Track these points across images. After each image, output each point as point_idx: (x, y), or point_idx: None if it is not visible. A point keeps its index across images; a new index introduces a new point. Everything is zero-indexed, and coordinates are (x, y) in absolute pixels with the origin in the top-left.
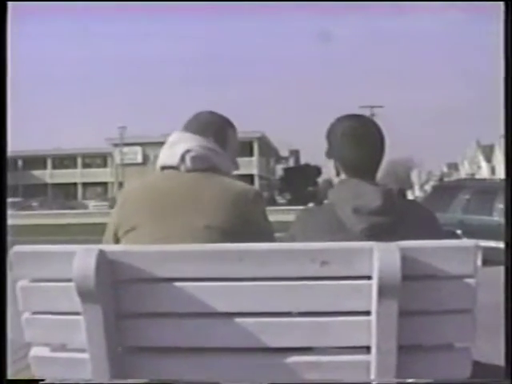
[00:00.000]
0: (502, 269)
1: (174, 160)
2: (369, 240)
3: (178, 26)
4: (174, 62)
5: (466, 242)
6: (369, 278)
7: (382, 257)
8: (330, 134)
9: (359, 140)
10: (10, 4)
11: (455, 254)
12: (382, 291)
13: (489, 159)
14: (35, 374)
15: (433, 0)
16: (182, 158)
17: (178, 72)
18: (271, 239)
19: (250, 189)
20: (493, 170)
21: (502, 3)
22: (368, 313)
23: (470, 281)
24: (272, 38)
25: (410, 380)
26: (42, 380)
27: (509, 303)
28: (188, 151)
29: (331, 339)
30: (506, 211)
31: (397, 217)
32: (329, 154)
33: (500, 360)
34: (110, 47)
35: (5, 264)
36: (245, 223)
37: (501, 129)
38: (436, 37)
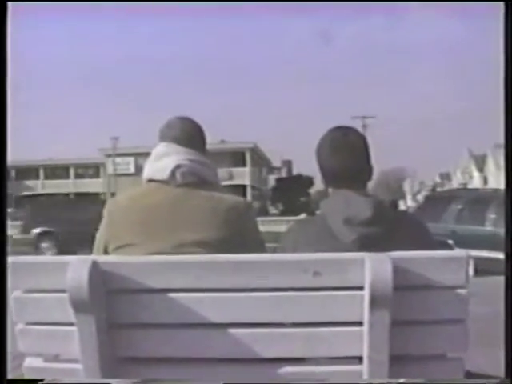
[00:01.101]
0: (493, 278)
1: (163, 174)
2: (360, 250)
3: (169, 32)
4: (166, 73)
5: (458, 252)
6: (361, 288)
7: (374, 267)
8: (316, 149)
9: (339, 150)
10: (9, 4)
11: (447, 264)
12: (374, 301)
13: (481, 169)
14: None
15: (432, 0)
16: (172, 173)
17: (169, 84)
18: (262, 250)
19: (241, 201)
20: (485, 180)
21: (502, 3)
22: (360, 323)
23: (462, 291)
24: (265, 47)
25: (401, 380)
26: (42, 380)
27: (509, 303)
28: (178, 166)
29: (324, 349)
30: (506, 222)
31: (388, 228)
32: (319, 170)
33: (491, 370)
34: (103, 56)
35: (5, 268)
36: (236, 236)
37: (493, 138)
38: (428, 47)
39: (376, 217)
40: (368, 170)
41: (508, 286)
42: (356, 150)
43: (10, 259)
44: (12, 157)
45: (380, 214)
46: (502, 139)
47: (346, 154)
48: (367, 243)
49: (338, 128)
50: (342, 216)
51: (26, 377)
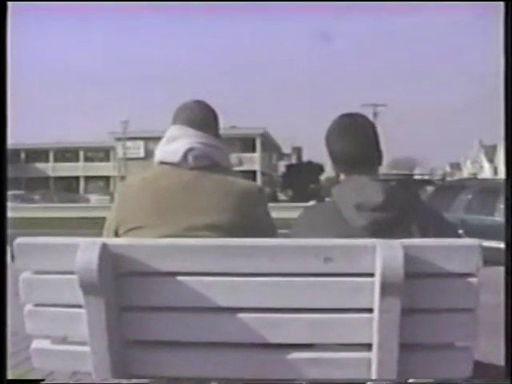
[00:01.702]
0: (502, 269)
1: (175, 157)
2: (371, 236)
3: (180, 23)
4: (177, 58)
5: (469, 240)
6: (371, 275)
7: (385, 254)
8: (326, 136)
9: (348, 135)
10: (9, 4)
11: (458, 252)
12: (385, 289)
13: (491, 159)
14: (36, 366)
15: (435, 0)
16: (185, 156)
17: (181, 67)
18: (274, 235)
19: (253, 185)
20: (495, 170)
21: (502, 3)
22: (370, 310)
23: (473, 280)
24: (276, 34)
25: (410, 380)
26: (42, 380)
27: (509, 303)
28: (191, 149)
29: (333, 336)
30: (506, 211)
31: (400, 213)
32: (329, 157)
33: (500, 360)
34: (114, 41)
35: (5, 265)
36: (248, 220)
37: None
38: (440, 36)
39: (388, 202)
40: (378, 156)
41: (508, 278)
42: (365, 134)
43: (19, 240)
44: (22, 139)
45: (392, 200)
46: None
47: (355, 138)
48: (378, 228)
49: (347, 114)
50: (353, 201)
51: (33, 359)
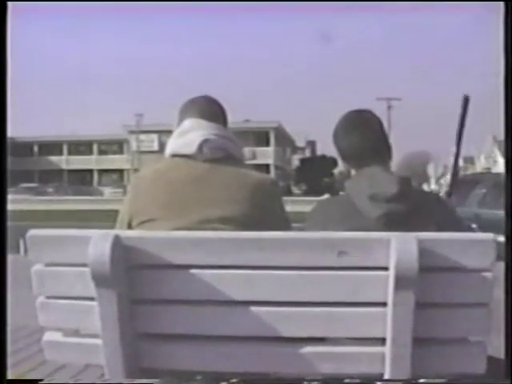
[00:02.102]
0: None
1: (190, 149)
2: (385, 228)
3: (192, 20)
4: (191, 53)
5: (484, 235)
6: (386, 268)
7: (400, 248)
8: (333, 134)
9: (355, 129)
10: (10, 4)
11: (473, 246)
12: (399, 282)
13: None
14: (48, 358)
15: (436, 0)
16: (200, 147)
17: (195, 61)
18: (288, 228)
19: (267, 178)
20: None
21: (502, 3)
22: (384, 304)
23: (487, 274)
24: (289, 29)
25: (421, 380)
26: (41, 380)
27: (509, 302)
28: (206, 141)
29: (346, 330)
30: (505, 206)
31: (414, 205)
32: (338, 154)
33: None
34: (131, 33)
35: (5, 267)
36: (261, 212)
37: None
38: (455, 29)
39: (402, 193)
40: (387, 149)
41: (508, 273)
42: (371, 129)
43: (32, 232)
44: (36, 132)
45: (406, 191)
46: None
47: (362, 133)
48: (392, 220)
49: (353, 111)
50: (367, 193)
51: (45, 351)
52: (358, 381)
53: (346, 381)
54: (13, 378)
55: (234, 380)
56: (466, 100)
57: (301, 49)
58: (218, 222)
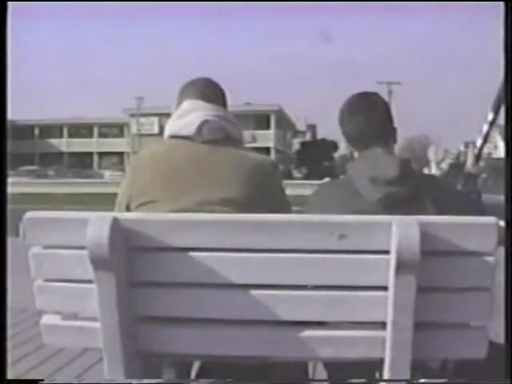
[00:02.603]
0: None
1: (189, 130)
2: (386, 210)
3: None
4: (193, 34)
5: (487, 218)
6: (387, 252)
7: (401, 231)
8: (339, 115)
9: (360, 110)
10: (10, 4)
11: (475, 230)
12: (400, 266)
13: (506, 139)
14: (46, 342)
15: (437, 0)
16: (199, 129)
17: (196, 44)
18: (288, 211)
19: (267, 159)
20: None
21: (502, 3)
22: (385, 288)
23: (490, 258)
24: (291, 18)
25: (422, 380)
26: (42, 380)
27: (509, 302)
28: (206, 121)
29: (347, 314)
30: (506, 191)
31: (415, 188)
32: (343, 135)
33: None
34: (130, 16)
35: (5, 267)
36: (262, 195)
37: None
38: (453, 18)
39: (403, 176)
40: (391, 131)
41: (508, 259)
42: (377, 111)
43: (29, 214)
44: (37, 115)
45: (407, 174)
46: None
47: (367, 115)
48: (393, 203)
49: (359, 93)
50: (367, 175)
51: (43, 334)
52: (362, 381)
53: (349, 381)
54: (12, 375)
55: (230, 380)
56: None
57: (302, 32)
58: (218, 203)
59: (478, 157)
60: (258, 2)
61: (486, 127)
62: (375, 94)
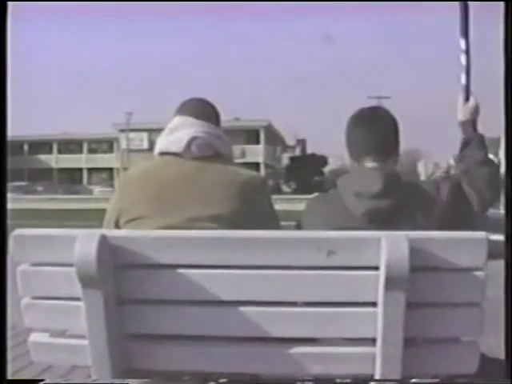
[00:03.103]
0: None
1: (178, 146)
2: (371, 224)
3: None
4: (180, 54)
5: (476, 234)
6: (376, 268)
7: (390, 247)
8: (345, 129)
9: (361, 123)
10: (10, 4)
11: (465, 245)
12: (390, 282)
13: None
14: (34, 359)
15: (435, 0)
16: (188, 145)
17: (184, 60)
18: (277, 227)
19: (256, 176)
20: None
21: (502, 3)
22: (374, 304)
23: (479, 273)
24: (279, 29)
25: (413, 380)
26: (42, 380)
27: (509, 301)
28: (194, 138)
29: (337, 330)
30: (506, 204)
31: (401, 201)
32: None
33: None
34: (118, 33)
35: (5, 266)
36: (251, 210)
37: None
38: (445, 28)
39: (387, 189)
40: (390, 147)
41: (508, 273)
42: (376, 125)
43: (17, 232)
44: (26, 131)
45: (391, 188)
46: None
47: (364, 128)
48: (378, 217)
49: (367, 107)
50: (353, 189)
51: (32, 352)
52: (349, 381)
53: (338, 381)
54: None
55: (222, 380)
56: None
57: (291, 48)
58: (206, 220)
59: None
60: (243, 2)
61: None
62: (384, 110)
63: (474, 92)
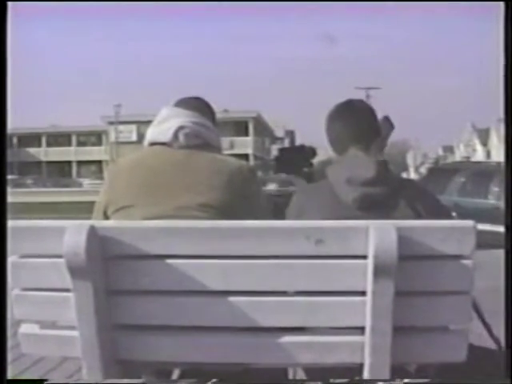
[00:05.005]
0: (496, 252)
1: (166, 136)
2: (361, 211)
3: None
4: (169, 49)
5: (464, 222)
6: (364, 257)
7: (378, 236)
8: (325, 123)
9: (340, 116)
10: (9, 4)
11: (453, 234)
12: (378, 271)
13: (484, 143)
14: (24, 351)
15: (433, 0)
16: (175, 135)
17: (173, 53)
18: (267, 216)
19: (244, 164)
20: (488, 154)
21: (502, 3)
22: (363, 293)
23: (467, 262)
24: (271, 25)
25: (406, 380)
26: (46, 380)
27: (509, 298)
28: (182, 127)
29: (325, 319)
30: (506, 195)
31: (390, 189)
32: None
33: (491, 343)
34: (110, 26)
35: (5, 264)
36: (240, 200)
37: (497, 113)
38: (435, 23)
39: (378, 177)
40: (372, 136)
41: (508, 263)
42: (357, 115)
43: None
44: (14, 124)
45: (382, 175)
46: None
47: (347, 118)
48: (369, 203)
49: (343, 100)
50: (344, 176)
51: (22, 344)
52: (343, 380)
53: (331, 380)
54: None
55: (214, 380)
56: None
57: (282, 39)
58: (195, 208)
59: None
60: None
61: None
62: (359, 101)
63: (467, 85)
